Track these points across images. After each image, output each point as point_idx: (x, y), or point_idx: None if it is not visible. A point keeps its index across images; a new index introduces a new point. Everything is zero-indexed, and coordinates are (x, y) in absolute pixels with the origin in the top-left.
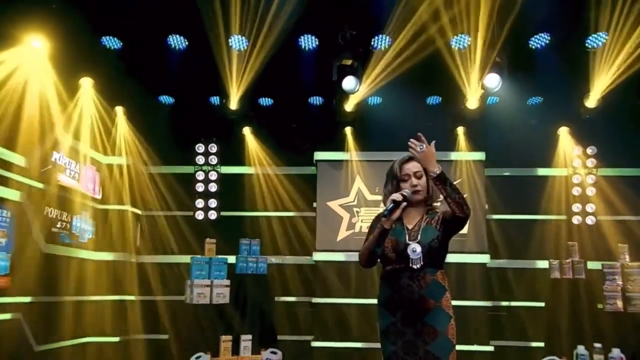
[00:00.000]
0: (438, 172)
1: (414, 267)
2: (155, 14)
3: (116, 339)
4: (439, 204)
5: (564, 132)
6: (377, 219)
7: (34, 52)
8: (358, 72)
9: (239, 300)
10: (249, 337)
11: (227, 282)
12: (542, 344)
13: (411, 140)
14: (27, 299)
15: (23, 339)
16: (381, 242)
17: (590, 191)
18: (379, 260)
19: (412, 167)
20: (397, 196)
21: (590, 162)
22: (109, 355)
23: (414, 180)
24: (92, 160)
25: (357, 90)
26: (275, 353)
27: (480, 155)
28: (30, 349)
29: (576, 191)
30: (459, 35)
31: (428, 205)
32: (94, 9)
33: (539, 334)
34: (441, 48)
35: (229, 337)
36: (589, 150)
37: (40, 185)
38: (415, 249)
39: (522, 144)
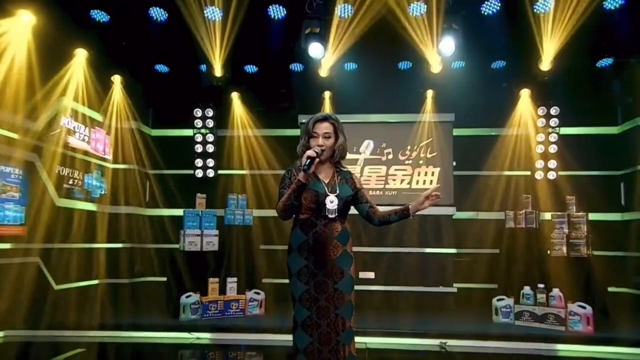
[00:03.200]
0: (412, 217)
1: (330, 216)
2: None
3: (126, 280)
4: (345, 167)
5: (525, 94)
6: (289, 172)
7: (25, 25)
8: (323, 40)
9: (226, 248)
10: (235, 279)
11: (216, 232)
12: (496, 286)
13: (435, 194)
14: (44, 246)
15: (44, 279)
16: (298, 195)
17: (553, 149)
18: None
19: (323, 127)
20: (311, 153)
21: (553, 122)
22: (119, 294)
23: (321, 140)
24: (101, 124)
25: (323, 57)
26: (258, 293)
27: (449, 117)
28: (51, 288)
29: (539, 149)
30: (415, 3)
31: (336, 162)
32: None
33: (494, 277)
34: (399, 15)
35: (216, 280)
36: (553, 111)
37: (51, 147)
38: (332, 200)
39: (489, 105)
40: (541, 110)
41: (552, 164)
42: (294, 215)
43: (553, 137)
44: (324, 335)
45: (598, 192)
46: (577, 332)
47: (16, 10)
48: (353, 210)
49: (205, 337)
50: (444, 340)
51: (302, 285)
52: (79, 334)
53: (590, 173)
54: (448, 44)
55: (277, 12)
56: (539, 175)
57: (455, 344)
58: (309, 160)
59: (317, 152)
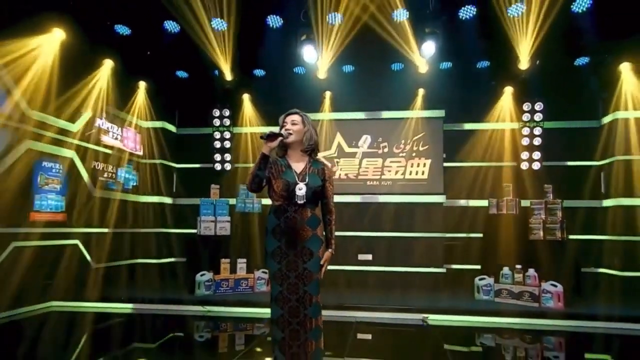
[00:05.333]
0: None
1: (299, 202)
2: (150, 5)
3: (156, 260)
4: (321, 157)
5: (508, 91)
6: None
7: (58, 40)
8: (317, 45)
9: (237, 232)
10: (244, 260)
11: (228, 218)
12: (479, 267)
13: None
14: (83, 230)
15: (84, 259)
16: (263, 166)
17: (537, 141)
18: (264, 186)
19: (291, 118)
20: (274, 130)
21: (538, 116)
22: (147, 272)
23: (288, 125)
24: (132, 124)
25: (317, 60)
26: (265, 273)
27: (439, 113)
28: (90, 267)
29: (525, 141)
30: (399, 10)
31: (308, 152)
32: (104, 3)
33: (478, 259)
34: (384, 22)
35: (228, 260)
36: (537, 106)
37: (87, 145)
38: (301, 187)
39: (476, 102)
40: (526, 106)
41: (537, 155)
42: (270, 203)
43: (537, 131)
44: (293, 308)
45: (580, 181)
46: (549, 308)
47: (51, 28)
48: (350, 199)
49: (217, 310)
50: (425, 315)
51: (275, 264)
52: (113, 305)
53: (573, 163)
54: (429, 47)
55: (274, 21)
56: (524, 165)
57: (436, 319)
58: (269, 133)
59: (282, 134)
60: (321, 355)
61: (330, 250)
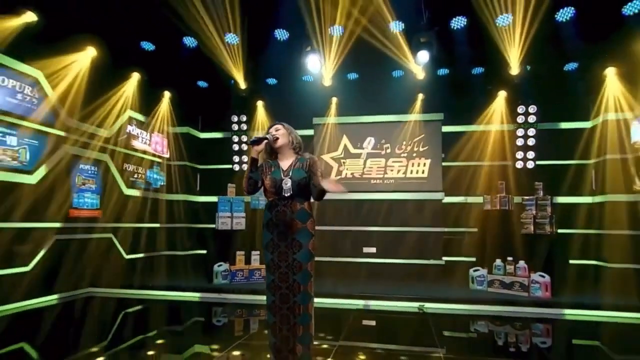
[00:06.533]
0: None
1: (286, 195)
2: (170, 24)
3: (181, 252)
4: (307, 155)
5: (502, 95)
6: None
7: (90, 56)
8: (321, 55)
9: (251, 227)
10: (258, 252)
11: (244, 214)
12: (474, 259)
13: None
14: (116, 225)
15: (117, 251)
16: (253, 168)
17: (531, 141)
18: (260, 187)
19: (274, 127)
20: (260, 134)
21: (532, 118)
22: (173, 263)
23: (273, 131)
24: (160, 130)
25: (320, 69)
26: None
27: (438, 116)
28: (122, 257)
29: (520, 142)
30: (394, 22)
31: (296, 152)
32: (131, 24)
33: (473, 251)
34: (382, 32)
35: (243, 252)
36: (531, 109)
37: (119, 149)
38: (287, 182)
39: (473, 105)
40: (521, 109)
41: (531, 154)
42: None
43: (531, 132)
44: (284, 295)
45: (572, 178)
46: (537, 297)
47: (85, 46)
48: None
49: (233, 297)
50: (422, 303)
51: (269, 255)
52: (143, 292)
53: (566, 162)
54: (423, 56)
55: (281, 34)
56: (519, 164)
57: (433, 307)
58: (255, 137)
59: (267, 137)
60: (310, 338)
61: (325, 182)
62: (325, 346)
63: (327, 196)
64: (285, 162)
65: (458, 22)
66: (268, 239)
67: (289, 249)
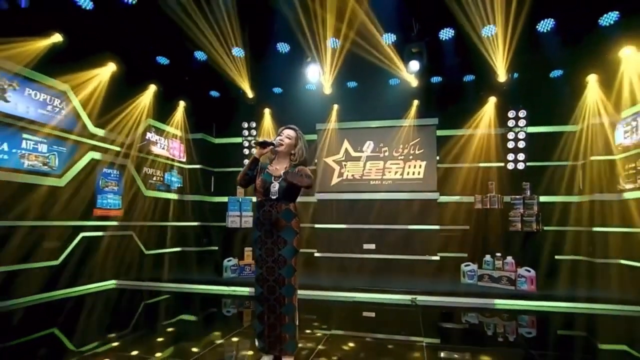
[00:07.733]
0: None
1: (272, 197)
2: (182, 39)
3: (195, 248)
4: (299, 167)
5: (492, 101)
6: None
7: (109, 70)
8: (320, 66)
9: None
10: None
11: (251, 213)
12: (466, 255)
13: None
14: (137, 223)
15: (137, 247)
16: (252, 167)
17: (521, 144)
18: (252, 184)
19: (287, 132)
20: (266, 138)
21: (522, 122)
22: (187, 258)
23: (283, 137)
24: (176, 136)
25: (319, 79)
26: None
27: (433, 121)
28: (142, 253)
29: (510, 144)
30: (387, 34)
31: (293, 160)
32: (149, 40)
33: (465, 248)
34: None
35: (251, 248)
36: (521, 114)
37: (139, 154)
38: (275, 185)
39: (465, 110)
40: (511, 113)
41: (521, 156)
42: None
43: (521, 135)
44: (271, 287)
45: (560, 179)
46: (523, 291)
47: (107, 62)
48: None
49: (241, 290)
50: (414, 296)
51: (257, 250)
52: (162, 285)
53: (554, 163)
54: (414, 65)
55: (283, 47)
56: (510, 166)
57: (425, 299)
58: (262, 140)
59: (273, 142)
60: (294, 328)
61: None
62: (318, 334)
63: (328, 196)
64: (279, 167)
65: (446, 34)
66: (256, 235)
67: (274, 245)
